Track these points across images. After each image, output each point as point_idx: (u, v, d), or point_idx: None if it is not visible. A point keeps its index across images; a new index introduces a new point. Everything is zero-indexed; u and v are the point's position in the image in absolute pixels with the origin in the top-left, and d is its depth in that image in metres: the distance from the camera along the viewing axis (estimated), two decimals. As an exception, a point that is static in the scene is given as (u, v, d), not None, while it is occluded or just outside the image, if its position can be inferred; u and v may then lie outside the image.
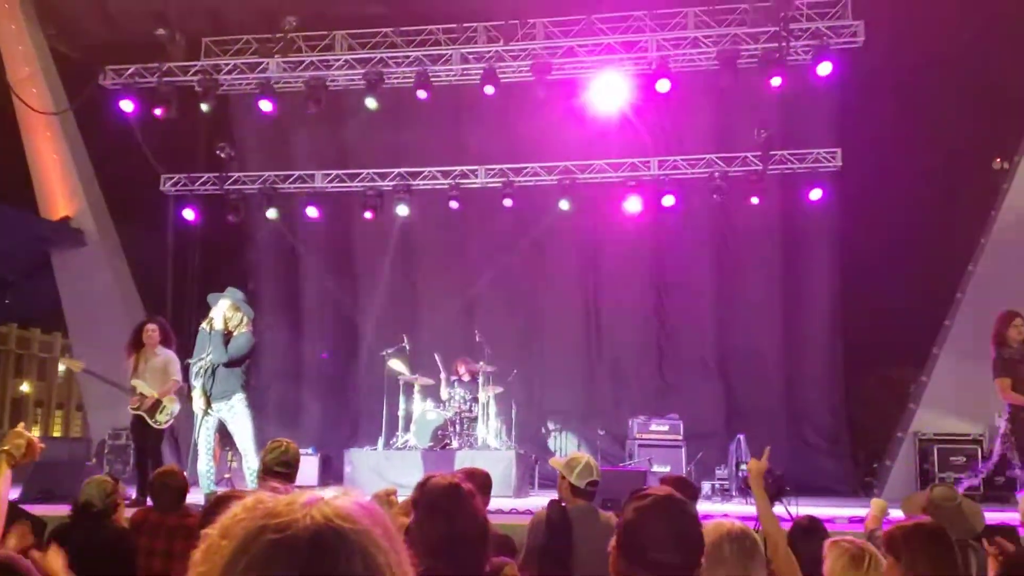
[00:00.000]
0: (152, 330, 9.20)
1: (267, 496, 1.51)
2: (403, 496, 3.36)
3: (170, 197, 14.17)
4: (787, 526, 5.05)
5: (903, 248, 12.32)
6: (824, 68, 11.68)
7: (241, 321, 8.68)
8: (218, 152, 13.53)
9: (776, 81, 11.86)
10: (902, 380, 12.71)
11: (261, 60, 13.20)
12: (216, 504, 3.72)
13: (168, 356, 9.21)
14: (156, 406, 9.00)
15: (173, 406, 9.13)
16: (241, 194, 13.93)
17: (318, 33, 13.18)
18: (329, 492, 1.21)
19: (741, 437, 10.64)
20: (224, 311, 8.61)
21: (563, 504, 4.67)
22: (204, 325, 8.72)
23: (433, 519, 2.77)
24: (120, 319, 12.87)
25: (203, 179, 14.06)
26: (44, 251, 14.03)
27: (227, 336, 8.58)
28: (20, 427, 3.42)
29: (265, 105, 12.88)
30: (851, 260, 13.01)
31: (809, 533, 4.43)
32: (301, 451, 6.04)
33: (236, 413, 8.51)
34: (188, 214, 13.79)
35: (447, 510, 2.80)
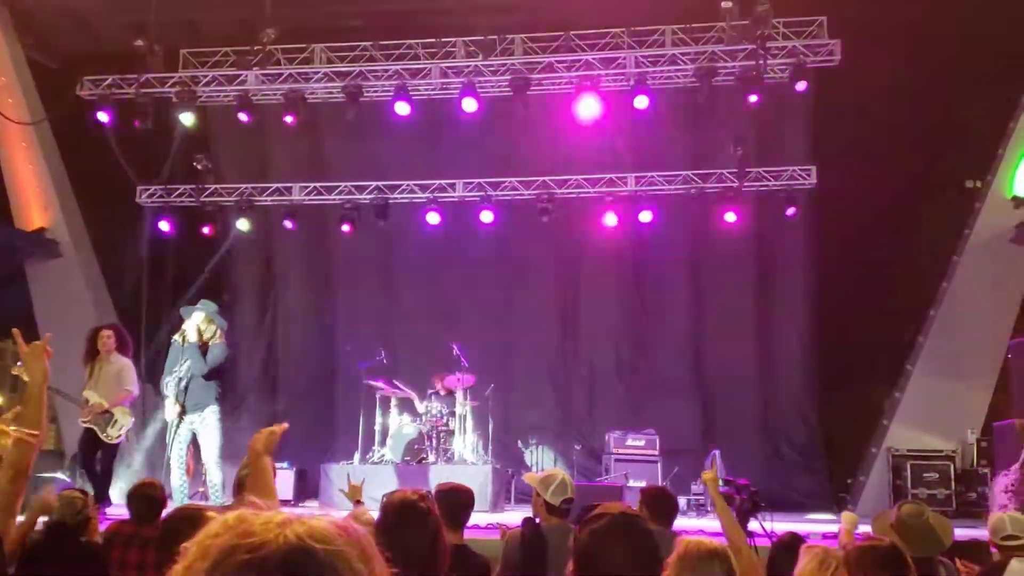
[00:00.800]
0: (107, 336, 8.68)
1: (250, 514, 1.51)
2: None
3: (146, 208, 14.09)
4: (764, 542, 5.09)
5: (877, 265, 12.46)
6: (800, 86, 11.82)
7: (215, 333, 8.70)
8: (195, 164, 13.49)
9: (753, 99, 11.98)
10: (876, 396, 12.82)
11: (239, 72, 13.16)
12: (173, 519, 3.67)
13: (123, 364, 8.69)
14: (107, 418, 8.47)
15: (126, 419, 8.59)
16: (217, 206, 13.88)
17: (297, 46, 13.16)
18: (307, 511, 1.22)
19: (716, 452, 10.68)
20: (198, 323, 8.64)
21: (538, 521, 4.66)
22: (176, 337, 8.72)
23: (386, 534, 2.76)
24: (94, 331, 12.76)
25: (179, 191, 13.99)
26: (18, 262, 13.89)
27: (202, 347, 8.59)
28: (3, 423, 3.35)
29: (243, 117, 12.86)
30: (825, 277, 13.11)
31: (791, 550, 4.45)
32: (277, 465, 6.01)
33: (207, 425, 8.49)
34: (164, 226, 13.72)
35: (399, 526, 2.80)
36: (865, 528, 6.38)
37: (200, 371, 8.48)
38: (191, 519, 3.19)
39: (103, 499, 8.35)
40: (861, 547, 3.40)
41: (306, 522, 1.16)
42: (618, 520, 2.34)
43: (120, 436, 8.67)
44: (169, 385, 8.65)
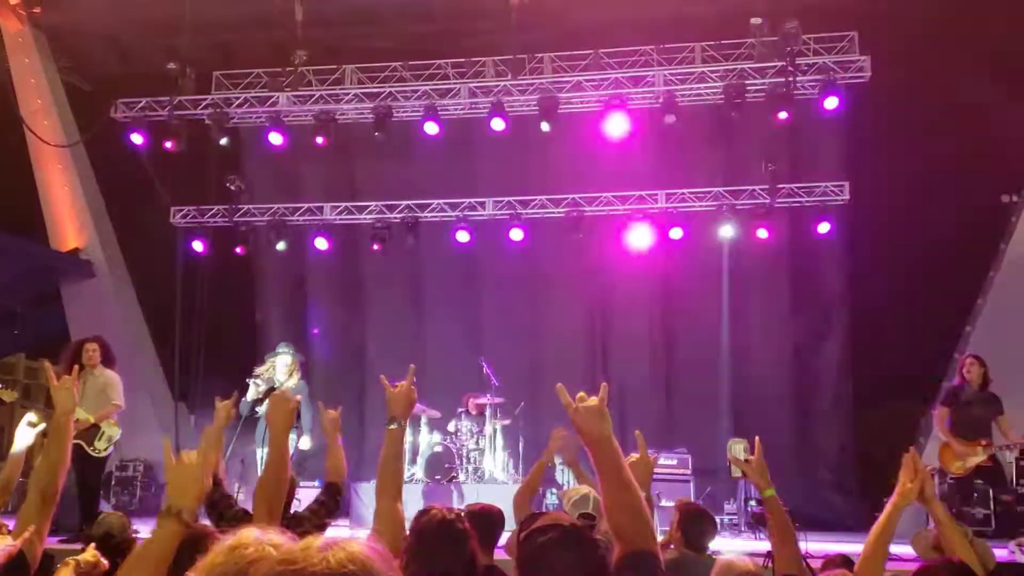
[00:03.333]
0: (92, 349, 8.51)
1: (251, 539, 1.51)
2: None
3: (179, 229, 14.25)
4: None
5: (912, 281, 12.28)
6: (831, 102, 11.76)
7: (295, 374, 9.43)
8: (228, 184, 13.62)
9: (783, 115, 11.91)
10: (911, 414, 12.60)
11: (271, 94, 13.33)
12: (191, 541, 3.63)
13: (109, 377, 8.54)
14: (93, 432, 8.29)
15: (114, 431, 8.48)
16: (250, 226, 14.00)
17: (328, 67, 13.30)
18: (343, 536, 1.25)
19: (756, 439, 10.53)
20: (287, 364, 9.33)
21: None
22: (267, 371, 9.31)
23: (422, 554, 2.72)
24: (128, 350, 12.86)
25: (213, 211, 14.13)
26: (54, 282, 14.09)
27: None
28: (92, 549, 3.44)
29: (275, 138, 13.00)
30: (859, 293, 12.96)
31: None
32: (305, 484, 6.03)
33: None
34: (197, 246, 13.86)
35: (436, 547, 2.76)
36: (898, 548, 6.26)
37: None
38: (196, 541, 3.20)
39: (92, 519, 8.20)
40: (934, 565, 3.31)
41: (345, 547, 1.22)
42: (568, 533, 2.27)
43: (109, 449, 8.53)
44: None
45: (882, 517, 3.49)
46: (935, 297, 12.13)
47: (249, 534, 1.47)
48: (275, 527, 1.66)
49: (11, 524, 3.97)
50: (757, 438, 3.38)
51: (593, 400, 2.39)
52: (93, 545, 3.71)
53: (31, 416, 4.60)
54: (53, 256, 14.00)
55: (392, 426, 3.18)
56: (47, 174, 13.99)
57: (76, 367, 3.88)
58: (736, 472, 3.42)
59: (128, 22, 13.38)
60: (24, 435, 4.50)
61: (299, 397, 4.33)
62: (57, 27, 13.91)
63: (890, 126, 12.17)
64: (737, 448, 3.32)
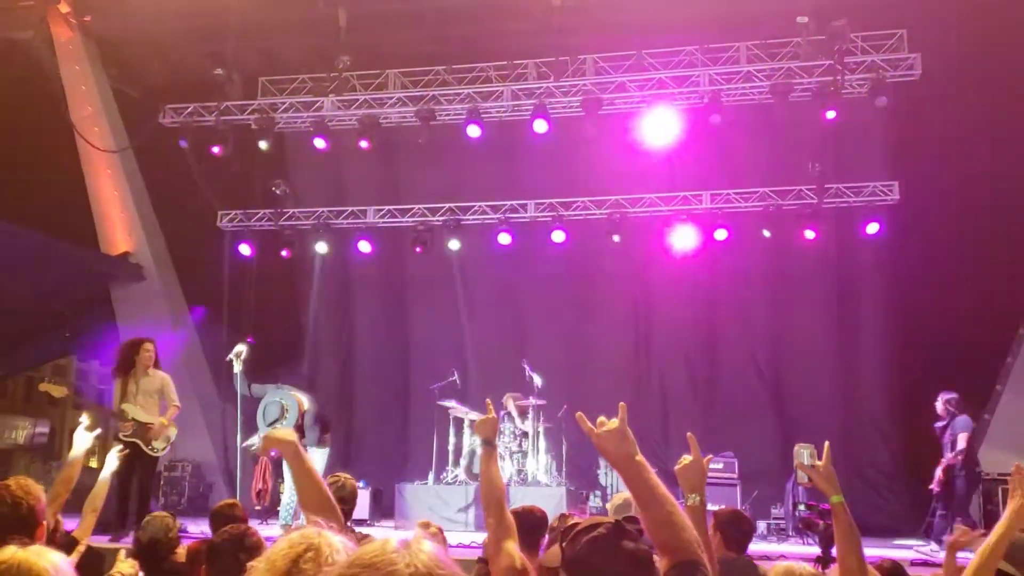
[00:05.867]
0: (150, 349, 8.76)
1: (312, 532, 1.52)
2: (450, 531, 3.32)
3: (227, 232, 14.43)
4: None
5: (963, 282, 11.99)
6: (881, 102, 11.55)
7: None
8: (274, 188, 13.77)
9: (831, 114, 11.75)
10: (964, 418, 12.33)
11: (316, 99, 13.44)
12: (222, 536, 3.59)
13: (164, 378, 8.80)
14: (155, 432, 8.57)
15: (170, 431, 8.73)
16: (295, 229, 14.14)
17: (372, 72, 13.38)
18: (410, 535, 1.27)
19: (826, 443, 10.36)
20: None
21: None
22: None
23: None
24: (177, 352, 13.05)
25: (259, 215, 14.29)
26: (104, 285, 14.30)
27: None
28: (130, 561, 3.55)
29: (320, 143, 13.10)
30: (909, 295, 12.69)
31: None
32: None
33: (313, 458, 8.82)
34: (244, 249, 14.02)
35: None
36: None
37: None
38: (239, 539, 3.22)
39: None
40: None
41: (423, 549, 1.25)
42: (613, 528, 2.23)
43: (166, 448, 8.81)
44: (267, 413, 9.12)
45: (991, 538, 3.29)
46: (987, 298, 11.84)
47: (310, 531, 1.47)
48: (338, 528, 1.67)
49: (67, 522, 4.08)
50: (827, 444, 3.29)
51: (613, 422, 2.40)
52: (126, 556, 3.78)
53: (85, 419, 4.78)
54: (103, 260, 14.21)
55: (484, 447, 3.50)
56: (97, 179, 14.20)
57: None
58: (803, 478, 3.35)
59: (176, 29, 13.56)
60: (82, 439, 4.70)
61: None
62: (107, 35, 14.13)
63: (941, 124, 11.90)
64: (804, 453, 3.25)
